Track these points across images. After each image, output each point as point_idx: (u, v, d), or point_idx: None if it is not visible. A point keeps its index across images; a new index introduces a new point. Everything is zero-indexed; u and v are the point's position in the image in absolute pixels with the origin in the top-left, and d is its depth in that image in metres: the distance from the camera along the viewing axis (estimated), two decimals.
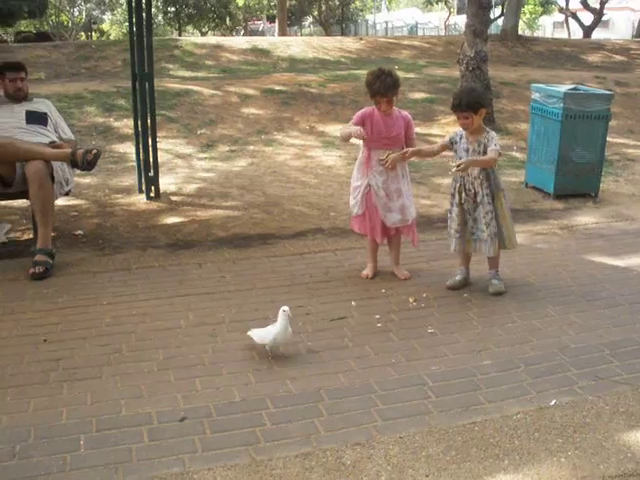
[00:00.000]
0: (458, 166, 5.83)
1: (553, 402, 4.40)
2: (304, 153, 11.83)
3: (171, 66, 18.80)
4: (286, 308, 4.86)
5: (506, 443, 3.96)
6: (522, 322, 5.59)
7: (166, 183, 9.45)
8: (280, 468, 3.74)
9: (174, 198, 8.99)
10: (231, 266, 6.81)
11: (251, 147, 12.12)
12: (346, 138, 6.38)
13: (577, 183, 9.35)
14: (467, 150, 6.01)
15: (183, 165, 10.90)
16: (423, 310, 5.82)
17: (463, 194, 6.08)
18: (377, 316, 5.66)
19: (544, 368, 4.84)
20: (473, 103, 5.87)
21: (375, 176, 6.27)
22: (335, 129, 13.23)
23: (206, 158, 11.34)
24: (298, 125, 13.63)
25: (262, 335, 4.93)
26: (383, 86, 6.07)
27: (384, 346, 5.16)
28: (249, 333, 5.03)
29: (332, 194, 9.28)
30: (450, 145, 6.15)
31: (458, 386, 4.60)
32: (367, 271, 6.54)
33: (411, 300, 5.99)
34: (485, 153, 5.93)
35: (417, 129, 12.89)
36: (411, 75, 16.87)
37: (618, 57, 23.32)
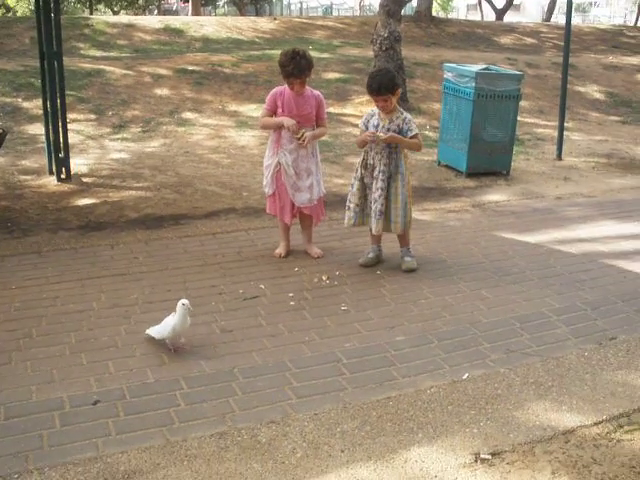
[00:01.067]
0: (383, 136, 5.85)
1: (466, 375, 4.46)
2: (217, 133, 11.71)
3: (82, 45, 18.38)
4: (185, 301, 4.71)
5: (420, 417, 4.00)
6: (435, 298, 5.65)
7: (77, 164, 9.27)
8: (195, 448, 3.70)
9: (86, 179, 8.81)
10: (143, 247, 6.71)
11: (164, 127, 11.94)
12: (270, 128, 6.44)
13: (489, 162, 9.51)
14: (377, 126, 6.03)
15: (95, 146, 10.67)
16: (336, 288, 5.83)
17: (363, 169, 6.14)
18: (290, 294, 5.65)
19: (457, 343, 4.91)
20: (391, 85, 5.90)
21: (285, 154, 6.26)
22: (249, 109, 13.16)
23: (118, 139, 11.13)
24: (211, 105, 13.47)
25: (160, 330, 4.76)
26: (297, 68, 6.02)
27: (297, 324, 5.15)
28: (147, 332, 4.86)
29: (245, 174, 9.23)
30: (364, 128, 6.14)
31: (372, 362, 4.62)
32: (280, 250, 6.52)
33: (324, 278, 5.99)
34: (398, 133, 5.97)
35: (331, 109, 13.04)
36: (325, 55, 16.86)
37: (529, 40, 23.73)
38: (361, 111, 13.27)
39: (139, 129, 11.76)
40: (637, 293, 5.89)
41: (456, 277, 6.09)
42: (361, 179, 6.15)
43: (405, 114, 6.08)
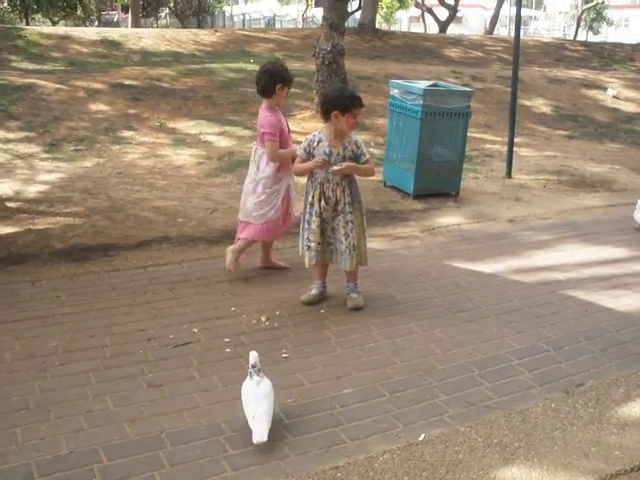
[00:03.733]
0: (339, 168, 5.39)
1: (422, 437, 3.98)
2: (153, 152, 11.12)
3: (14, 57, 17.65)
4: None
5: None
6: (384, 341, 5.16)
7: (2, 187, 8.61)
8: None
9: (10, 204, 8.18)
10: (67, 283, 6.11)
11: (98, 146, 11.32)
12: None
13: (437, 182, 9.09)
14: (330, 154, 5.47)
15: (23, 166, 10.03)
16: (277, 330, 5.30)
17: (322, 202, 5.55)
18: (226, 339, 5.10)
19: (410, 395, 4.42)
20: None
21: (292, 176, 6.27)
22: (187, 126, 12.62)
23: (49, 158, 10.49)
24: (148, 122, 12.88)
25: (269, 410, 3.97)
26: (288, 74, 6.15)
27: (234, 376, 4.58)
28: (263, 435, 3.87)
29: (181, 197, 8.67)
30: (306, 156, 5.59)
31: (317, 422, 4.11)
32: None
33: (263, 319, 5.45)
34: (352, 159, 5.50)
35: None
36: None
37: (475, 52, 23.56)
38: (303, 127, 12.81)
39: (72, 148, 11.14)
40: (601, 329, 5.49)
41: (407, 315, 5.60)
42: (319, 214, 5.57)
43: (354, 137, 5.59)
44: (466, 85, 15.16)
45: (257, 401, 3.93)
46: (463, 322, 5.51)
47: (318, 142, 5.52)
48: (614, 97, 17.97)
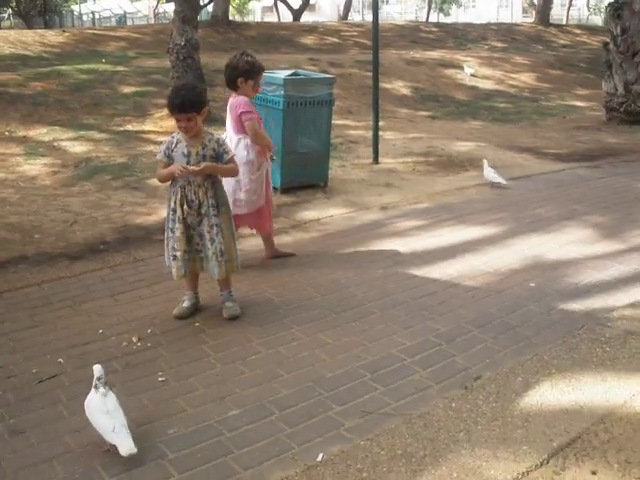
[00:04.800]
0: (198, 168, 4.95)
1: (320, 457, 3.64)
2: (3, 164, 10.34)
3: None
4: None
5: None
6: (267, 351, 4.79)
7: None
8: None
9: None
10: None
11: None
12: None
13: (304, 174, 8.78)
14: (188, 154, 5.04)
15: None
16: (150, 351, 4.84)
17: (185, 207, 5.12)
18: None
19: (302, 410, 4.08)
20: (198, 102, 5.00)
21: (268, 160, 6.34)
22: (39, 133, 11.91)
23: None
24: None
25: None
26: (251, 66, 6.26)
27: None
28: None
29: (36, 211, 8.04)
30: (167, 160, 5.12)
31: (204, 453, 3.70)
32: None
33: (134, 340, 4.98)
34: (214, 158, 5.09)
35: (129, 126, 12.13)
36: (120, 68, 15.68)
37: (330, 39, 23.47)
38: (161, 126, 12.34)
39: None
40: (490, 315, 5.30)
41: (287, 320, 5.24)
42: (183, 220, 5.11)
43: (215, 134, 5.19)
44: (324, 71, 15.00)
45: (110, 414, 3.71)
46: (348, 322, 5.21)
47: (177, 143, 5.09)
48: (472, 75, 18.19)
